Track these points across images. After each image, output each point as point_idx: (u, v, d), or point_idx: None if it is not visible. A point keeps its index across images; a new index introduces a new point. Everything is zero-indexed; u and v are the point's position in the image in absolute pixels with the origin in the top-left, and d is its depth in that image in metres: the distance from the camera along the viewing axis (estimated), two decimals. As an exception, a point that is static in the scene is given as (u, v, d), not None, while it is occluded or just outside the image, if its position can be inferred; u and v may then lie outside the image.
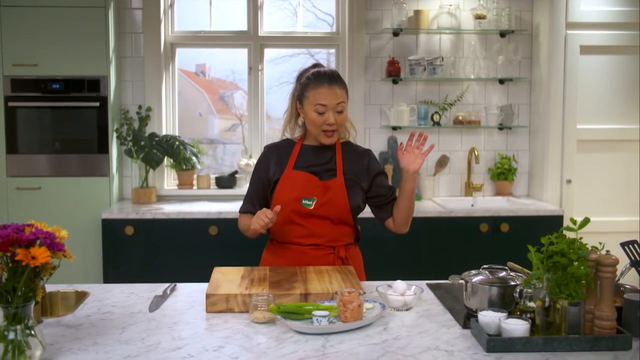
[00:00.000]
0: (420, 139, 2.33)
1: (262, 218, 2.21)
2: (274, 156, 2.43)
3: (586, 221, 1.70)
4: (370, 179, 2.43)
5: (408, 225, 2.44)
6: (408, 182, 2.33)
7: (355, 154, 2.45)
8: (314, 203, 2.33)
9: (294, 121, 2.45)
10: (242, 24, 4.55)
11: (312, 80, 2.33)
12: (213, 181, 4.54)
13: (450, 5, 4.39)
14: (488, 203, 4.38)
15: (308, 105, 2.33)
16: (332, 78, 2.33)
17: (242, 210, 2.48)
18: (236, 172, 4.57)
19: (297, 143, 2.44)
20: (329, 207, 2.33)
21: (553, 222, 3.94)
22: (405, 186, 2.34)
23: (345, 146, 2.45)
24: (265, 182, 2.42)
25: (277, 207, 2.22)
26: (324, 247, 2.37)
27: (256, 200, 2.44)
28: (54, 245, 1.52)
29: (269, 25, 4.58)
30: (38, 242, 1.51)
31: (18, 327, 1.50)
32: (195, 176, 4.51)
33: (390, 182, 4.38)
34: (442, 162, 4.49)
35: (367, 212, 3.87)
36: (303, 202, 2.33)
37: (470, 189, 4.49)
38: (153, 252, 3.87)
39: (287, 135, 2.48)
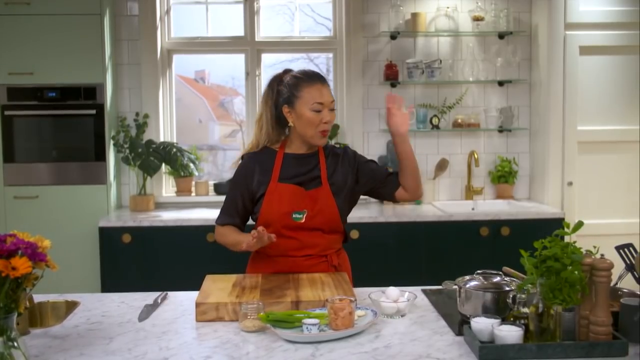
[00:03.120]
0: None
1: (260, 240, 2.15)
2: (256, 166, 2.33)
3: (579, 224, 1.67)
4: (354, 175, 2.37)
5: (420, 187, 2.40)
6: (403, 144, 2.31)
7: (336, 156, 2.39)
8: (304, 216, 2.26)
9: (272, 129, 2.35)
10: (239, 30, 4.54)
11: (304, 79, 2.28)
12: (212, 188, 4.52)
13: (448, 8, 4.36)
14: (488, 206, 4.34)
15: (302, 105, 2.24)
16: (322, 77, 2.32)
17: (221, 223, 2.38)
18: (235, 178, 4.54)
19: (278, 152, 2.35)
20: (320, 219, 2.28)
21: (554, 225, 3.85)
22: (402, 149, 2.32)
23: (326, 150, 2.39)
24: (246, 194, 2.33)
25: (272, 237, 2.16)
26: (316, 257, 2.33)
27: (235, 211, 2.35)
28: (35, 256, 1.49)
29: (266, 30, 4.57)
30: (19, 252, 1.49)
31: (0, 339, 1.48)
32: (193, 183, 4.49)
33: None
34: (442, 166, 4.45)
35: (366, 217, 3.84)
36: (293, 216, 2.27)
37: (470, 192, 4.45)
38: (150, 260, 3.85)
39: (263, 144, 2.39)
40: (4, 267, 1.43)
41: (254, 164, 2.34)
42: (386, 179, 2.40)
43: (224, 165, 5.04)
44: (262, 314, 1.80)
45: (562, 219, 3.94)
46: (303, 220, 2.27)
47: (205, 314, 1.93)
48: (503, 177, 4.46)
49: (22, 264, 1.45)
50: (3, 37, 3.92)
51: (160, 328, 1.89)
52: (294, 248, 2.30)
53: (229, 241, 2.33)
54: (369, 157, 4.28)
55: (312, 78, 2.28)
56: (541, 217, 3.97)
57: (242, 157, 2.40)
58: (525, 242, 1.84)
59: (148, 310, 2.05)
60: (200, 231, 3.84)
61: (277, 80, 2.35)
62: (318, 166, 2.33)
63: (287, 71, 2.37)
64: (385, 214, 3.94)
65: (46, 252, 1.56)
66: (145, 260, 3.85)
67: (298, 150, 2.35)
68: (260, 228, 2.15)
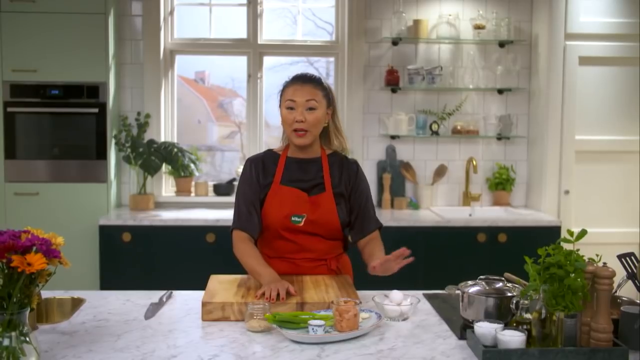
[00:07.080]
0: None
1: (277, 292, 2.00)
2: (259, 169, 2.34)
3: (583, 233, 1.70)
4: (349, 189, 2.35)
5: None
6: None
7: (342, 164, 2.38)
8: (303, 220, 2.27)
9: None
10: (241, 32, 4.56)
11: (288, 80, 2.32)
12: (211, 188, 4.54)
13: (450, 15, 4.40)
14: (486, 213, 4.37)
15: (282, 104, 2.29)
16: (305, 77, 2.30)
17: (242, 228, 2.28)
18: (234, 179, 4.57)
19: (281, 155, 2.36)
20: (319, 224, 2.28)
21: (551, 233, 3.94)
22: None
23: (332, 157, 2.39)
24: (258, 191, 2.31)
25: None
26: (315, 260, 2.34)
27: (254, 211, 2.29)
28: (49, 252, 1.51)
29: (268, 33, 4.59)
30: (34, 248, 1.51)
31: (13, 333, 1.49)
32: (193, 183, 4.51)
33: (388, 191, 4.40)
34: (440, 172, 4.49)
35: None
36: (292, 219, 2.27)
37: (468, 198, 4.48)
38: (150, 259, 3.86)
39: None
40: (20, 262, 1.44)
41: (258, 165, 2.36)
42: (359, 223, 2.34)
43: (221, 166, 5.06)
44: (268, 314, 1.83)
45: (559, 227, 3.98)
46: (302, 224, 2.28)
47: (211, 313, 1.95)
48: (501, 184, 4.50)
49: (37, 260, 1.47)
50: (7, 34, 3.94)
51: (167, 326, 1.91)
52: (293, 251, 2.32)
53: (246, 263, 2.22)
54: (368, 161, 4.41)
55: (294, 79, 2.31)
56: (538, 225, 4.01)
57: (247, 161, 2.41)
58: (522, 249, 1.87)
59: (154, 309, 2.06)
60: (200, 231, 3.86)
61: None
62: (321, 172, 2.34)
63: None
64: (383, 218, 3.97)
65: (59, 248, 1.58)
66: (144, 259, 3.86)
67: (298, 155, 2.36)
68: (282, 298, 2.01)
